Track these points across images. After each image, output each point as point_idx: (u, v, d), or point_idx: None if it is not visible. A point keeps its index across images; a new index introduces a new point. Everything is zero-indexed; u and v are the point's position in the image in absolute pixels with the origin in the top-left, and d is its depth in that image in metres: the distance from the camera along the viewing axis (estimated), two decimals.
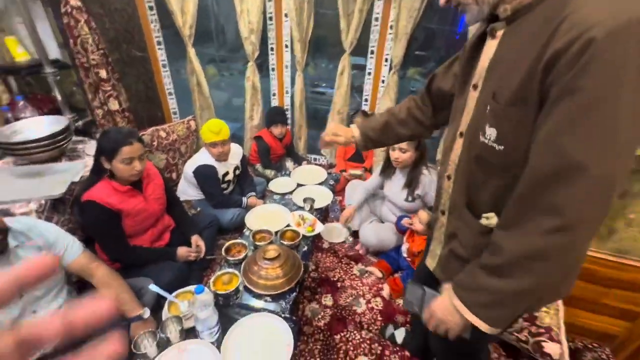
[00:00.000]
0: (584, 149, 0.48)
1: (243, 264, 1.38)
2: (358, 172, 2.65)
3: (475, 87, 0.66)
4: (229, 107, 3.90)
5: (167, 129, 2.40)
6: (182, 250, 1.60)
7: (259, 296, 1.28)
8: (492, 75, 0.62)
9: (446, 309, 0.69)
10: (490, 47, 0.62)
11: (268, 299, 1.28)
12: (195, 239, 1.68)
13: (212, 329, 1.09)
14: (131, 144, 1.36)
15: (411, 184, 1.82)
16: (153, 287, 1.21)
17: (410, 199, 1.85)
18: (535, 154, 0.54)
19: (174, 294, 1.25)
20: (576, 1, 0.48)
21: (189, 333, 1.12)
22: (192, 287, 1.30)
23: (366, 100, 2.75)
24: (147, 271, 1.49)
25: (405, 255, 1.81)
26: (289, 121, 2.93)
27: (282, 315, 1.21)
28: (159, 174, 1.66)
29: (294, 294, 1.32)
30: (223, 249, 1.47)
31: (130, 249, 1.48)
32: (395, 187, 1.91)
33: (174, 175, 2.46)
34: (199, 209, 2.07)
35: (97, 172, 1.39)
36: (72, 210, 1.41)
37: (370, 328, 1.54)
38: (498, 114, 0.59)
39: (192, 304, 1.09)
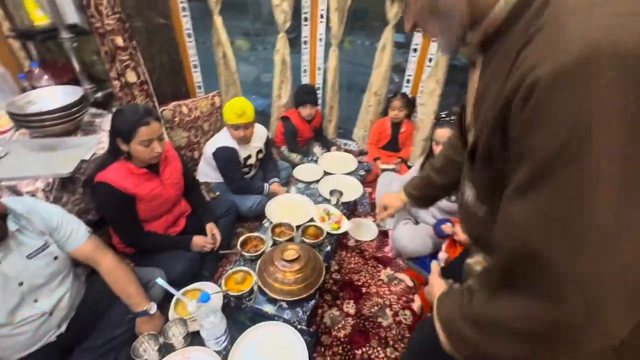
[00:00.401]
0: (543, 235, 0.36)
1: (259, 262, 1.26)
2: (391, 166, 2.43)
3: (468, 128, 0.60)
4: (258, 84, 3.74)
5: (189, 105, 2.28)
6: (198, 240, 1.51)
7: (273, 301, 1.16)
8: (476, 112, 0.53)
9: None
10: (473, 80, 0.54)
11: (284, 304, 1.16)
12: (211, 227, 1.58)
13: (219, 338, 0.98)
14: (148, 124, 1.25)
15: None
16: (160, 282, 1.11)
17: (454, 198, 1.62)
18: (497, 228, 0.44)
19: (182, 291, 1.15)
20: (542, 23, 0.37)
21: (196, 337, 1.02)
22: (203, 284, 1.21)
23: (408, 81, 2.47)
24: (158, 259, 1.42)
25: (443, 265, 1.60)
26: (320, 102, 2.72)
27: (298, 327, 1.08)
28: (178, 156, 1.56)
29: (313, 301, 1.19)
30: (239, 243, 1.35)
31: (144, 234, 1.40)
32: None
33: (195, 154, 2.37)
34: (217, 193, 1.97)
35: (114, 154, 1.30)
36: (85, 190, 1.34)
37: (397, 346, 1.38)
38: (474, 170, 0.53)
39: (197, 309, 0.98)
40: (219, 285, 1.18)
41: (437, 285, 0.72)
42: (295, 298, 1.14)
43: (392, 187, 2.00)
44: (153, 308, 1.16)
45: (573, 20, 0.34)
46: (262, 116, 2.01)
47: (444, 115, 1.40)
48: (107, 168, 1.28)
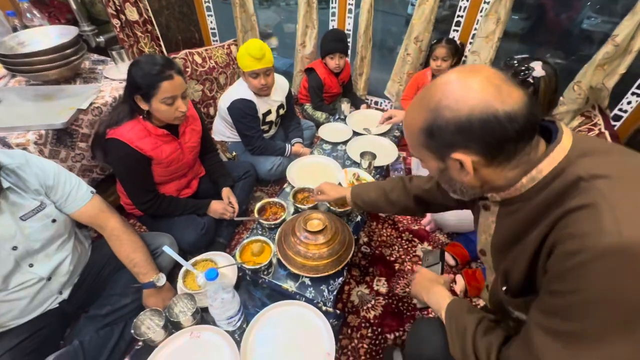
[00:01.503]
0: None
1: (278, 231, 1.14)
2: None
3: (483, 253, 0.72)
4: (280, 34, 3.43)
5: (203, 54, 2.10)
6: (217, 205, 1.40)
7: (295, 276, 1.06)
8: (498, 254, 0.66)
9: (433, 296, 0.81)
10: (487, 220, 0.67)
11: (307, 281, 1.05)
12: (227, 193, 1.46)
13: (232, 318, 0.87)
14: (172, 77, 1.11)
15: None
16: (167, 250, 1.02)
17: None
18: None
19: (191, 261, 1.05)
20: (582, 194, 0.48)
21: (207, 314, 0.92)
22: (216, 254, 1.10)
23: (458, 24, 2.11)
24: (170, 224, 1.33)
25: None
26: (349, 52, 2.43)
27: (323, 309, 0.96)
28: (199, 117, 1.42)
29: (341, 279, 1.07)
30: (256, 209, 1.22)
31: (160, 198, 1.30)
32: None
33: (211, 110, 2.23)
34: (234, 153, 1.83)
35: (131, 112, 1.16)
36: (93, 149, 1.22)
37: None
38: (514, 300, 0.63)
39: (204, 287, 0.86)
40: (233, 257, 1.07)
41: (438, 294, 0.80)
42: (320, 274, 1.03)
43: None
44: (161, 279, 1.07)
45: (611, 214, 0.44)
46: (285, 76, 1.81)
47: (513, 62, 1.10)
48: (121, 125, 1.15)
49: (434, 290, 0.83)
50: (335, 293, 1.03)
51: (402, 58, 2.35)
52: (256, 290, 1.05)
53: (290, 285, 1.04)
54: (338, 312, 1.01)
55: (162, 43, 1.82)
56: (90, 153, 1.31)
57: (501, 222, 0.63)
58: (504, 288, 0.63)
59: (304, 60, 2.55)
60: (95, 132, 1.21)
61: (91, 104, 1.27)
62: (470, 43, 2.10)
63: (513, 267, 0.59)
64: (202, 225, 1.33)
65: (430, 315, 1.29)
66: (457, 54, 2.09)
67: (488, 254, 0.69)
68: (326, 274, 1.03)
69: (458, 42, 2.12)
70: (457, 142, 0.53)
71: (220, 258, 1.10)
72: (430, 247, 1.58)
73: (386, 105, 2.78)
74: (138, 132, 1.17)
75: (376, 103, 2.81)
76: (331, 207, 1.25)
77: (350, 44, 2.45)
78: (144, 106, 1.14)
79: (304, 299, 1.01)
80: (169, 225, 1.32)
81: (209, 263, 1.07)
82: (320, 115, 2.36)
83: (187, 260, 1.04)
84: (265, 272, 1.07)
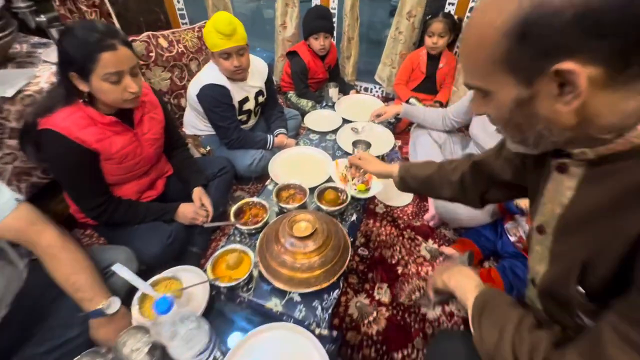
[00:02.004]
0: None
1: (260, 237, 0.98)
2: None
3: (541, 230, 0.55)
4: (258, 21, 3.20)
5: (169, 37, 1.89)
6: (186, 209, 1.21)
7: (281, 292, 0.89)
8: (566, 235, 0.50)
9: (461, 288, 0.67)
10: (561, 186, 0.51)
11: (295, 297, 0.89)
12: (199, 193, 1.26)
13: (200, 354, 0.68)
14: (114, 47, 0.92)
15: None
16: (117, 268, 0.83)
17: None
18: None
19: (151, 280, 0.86)
20: None
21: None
22: (184, 270, 0.92)
23: None
24: (129, 235, 1.13)
25: (512, 237, 1.25)
26: (335, 33, 2.24)
27: (317, 332, 0.81)
28: (160, 103, 1.23)
29: (337, 292, 0.91)
30: (232, 212, 1.04)
31: (114, 202, 1.11)
32: (489, 123, 1.29)
33: (182, 101, 2.01)
34: (208, 148, 1.63)
35: (68, 96, 0.95)
36: (22, 145, 1.01)
37: None
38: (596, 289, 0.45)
39: (155, 323, 0.67)
40: (205, 271, 0.89)
41: (464, 275, 0.69)
42: (311, 289, 0.86)
43: (430, 138, 1.61)
44: (113, 305, 0.87)
45: None
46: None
47: None
48: (55, 112, 0.94)
49: (459, 270, 0.71)
50: (330, 311, 0.87)
51: (394, 37, 2.17)
52: (233, 313, 0.87)
53: (275, 304, 0.87)
54: (335, 333, 0.84)
55: (115, 21, 1.59)
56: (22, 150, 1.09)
57: (586, 190, 0.47)
58: (579, 287, 0.47)
59: (285, 43, 2.35)
60: (23, 123, 1.00)
61: (20, 91, 1.05)
62: (468, 17, 1.94)
63: (599, 256, 0.44)
64: (169, 233, 1.13)
65: (447, 323, 1.13)
66: (454, 30, 1.93)
67: (549, 232, 0.53)
68: (319, 287, 0.86)
69: (455, 17, 1.96)
70: (571, 44, 0.36)
71: (188, 274, 0.91)
72: (435, 245, 1.42)
73: (377, 92, 2.61)
74: (78, 120, 0.96)
75: (366, 89, 2.64)
76: (321, 206, 1.07)
77: (336, 26, 2.27)
78: (82, 87, 0.94)
79: (292, 320, 0.84)
80: (128, 236, 1.13)
81: (172, 282, 0.88)
82: (305, 103, 2.18)
83: (149, 278, 0.85)
84: (244, 289, 0.90)
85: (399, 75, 2.18)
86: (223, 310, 0.87)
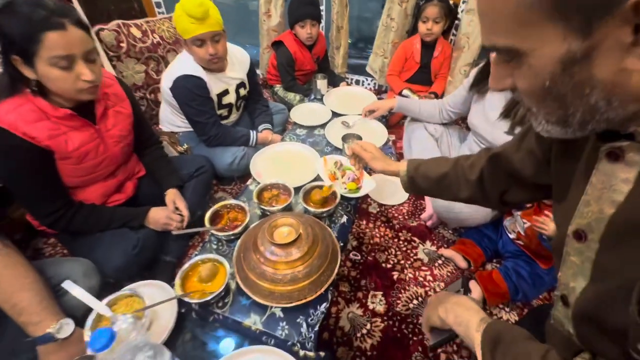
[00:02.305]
0: None
1: (237, 245, 0.89)
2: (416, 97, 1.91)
3: (579, 236, 0.44)
4: (244, 11, 3.07)
5: (143, 26, 1.77)
6: (157, 214, 1.10)
7: (261, 307, 0.79)
8: (618, 242, 0.39)
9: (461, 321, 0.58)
10: (613, 179, 0.40)
11: (278, 312, 0.79)
12: (172, 196, 1.16)
13: None
14: (62, 27, 0.81)
15: (514, 108, 1.13)
16: (68, 285, 0.72)
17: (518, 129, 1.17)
18: None
19: (111, 297, 0.75)
20: None
21: None
22: (148, 285, 0.82)
23: None
24: (92, 244, 1.02)
25: (511, 234, 1.16)
26: (324, 22, 2.14)
27: (302, 354, 0.72)
28: (127, 95, 1.12)
29: (324, 305, 0.82)
30: (207, 216, 0.95)
31: (73, 208, 0.99)
32: (490, 111, 1.22)
33: (160, 96, 1.88)
34: (186, 145, 1.51)
35: (13, 86, 0.84)
36: None
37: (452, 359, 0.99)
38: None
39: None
40: (173, 287, 0.79)
41: (463, 307, 0.60)
42: (295, 303, 0.77)
43: (426, 131, 1.52)
44: (65, 328, 0.77)
45: None
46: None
47: None
48: None
49: (457, 302, 0.62)
50: (317, 328, 0.77)
51: (385, 25, 2.07)
52: (206, 334, 0.77)
53: (254, 321, 0.77)
54: (323, 354, 0.74)
55: (76, 4, 1.45)
56: None
57: None
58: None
59: (270, 33, 2.24)
60: None
61: None
62: (464, 2, 1.84)
63: None
64: (135, 242, 1.02)
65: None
66: (450, 15, 1.84)
67: (593, 238, 0.42)
68: (304, 301, 0.77)
69: (451, 1, 1.86)
70: None
71: (152, 290, 0.81)
72: (434, 248, 1.33)
73: (369, 85, 2.51)
74: (26, 113, 0.85)
75: (357, 82, 2.54)
76: (307, 208, 0.97)
77: (324, 14, 2.16)
78: (28, 73, 0.82)
79: (273, 341, 0.74)
80: (90, 246, 1.02)
81: (134, 300, 0.77)
82: (293, 96, 2.08)
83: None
84: (219, 305, 0.79)
85: (392, 65, 2.08)
86: (194, 332, 0.76)
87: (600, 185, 0.41)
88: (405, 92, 1.92)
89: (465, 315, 0.59)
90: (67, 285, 0.73)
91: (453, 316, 0.60)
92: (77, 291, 0.72)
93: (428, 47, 1.96)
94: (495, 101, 1.22)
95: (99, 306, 0.73)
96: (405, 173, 0.86)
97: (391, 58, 2.10)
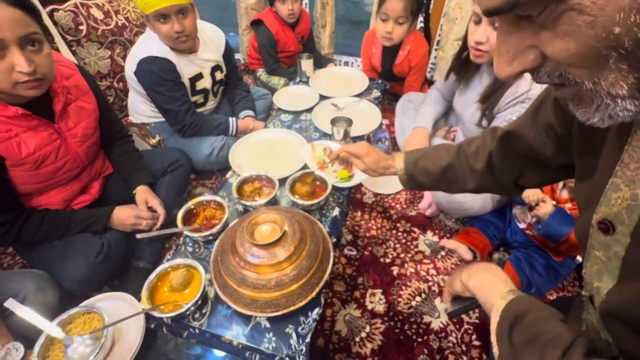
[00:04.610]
0: None
1: (214, 246, 0.81)
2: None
3: (606, 228, 0.38)
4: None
5: (105, 7, 1.64)
6: (123, 213, 1.01)
7: (244, 317, 0.72)
8: None
9: (485, 287, 0.54)
10: None
11: (263, 322, 0.72)
12: (144, 194, 1.07)
13: None
14: None
15: (492, 96, 1.07)
16: (11, 304, 0.64)
17: (485, 123, 1.13)
18: None
19: (62, 317, 0.67)
20: None
21: None
22: (110, 298, 0.74)
23: None
24: (47, 253, 0.93)
25: (521, 224, 1.10)
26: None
27: None
28: (90, 86, 1.02)
29: (317, 310, 0.75)
30: (179, 215, 0.88)
31: (23, 215, 0.90)
32: (470, 97, 1.18)
33: (127, 86, 1.77)
34: (158, 137, 1.41)
35: None
36: None
37: None
38: None
39: None
40: (139, 300, 0.71)
41: (492, 273, 0.55)
42: (283, 311, 0.69)
43: (425, 104, 1.43)
44: (13, 354, 0.68)
45: None
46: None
47: None
48: None
49: (485, 267, 0.58)
50: (309, 338, 0.69)
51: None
52: (179, 352, 0.68)
53: (236, 334, 0.70)
54: None
55: None
56: None
57: None
58: None
59: (249, 12, 2.13)
60: None
61: None
62: None
63: None
64: (100, 248, 0.93)
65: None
66: (419, 10, 1.60)
67: (622, 230, 0.36)
68: (293, 308, 0.69)
69: None
70: None
71: (115, 304, 0.72)
72: (436, 238, 1.26)
73: (359, 66, 2.41)
74: None
75: (346, 64, 2.44)
76: (295, 200, 0.89)
77: None
78: None
79: (258, 356, 0.67)
80: (47, 255, 0.92)
81: (92, 317, 0.69)
82: (277, 81, 1.98)
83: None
84: (196, 316, 0.71)
85: (362, 62, 1.91)
86: (164, 351, 0.68)
87: (634, 165, 0.35)
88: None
89: (490, 280, 0.55)
90: (10, 304, 0.64)
91: (475, 280, 0.57)
92: (21, 310, 0.64)
93: (391, 50, 1.68)
94: (476, 87, 1.16)
95: (49, 327, 0.64)
96: (404, 171, 0.80)
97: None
